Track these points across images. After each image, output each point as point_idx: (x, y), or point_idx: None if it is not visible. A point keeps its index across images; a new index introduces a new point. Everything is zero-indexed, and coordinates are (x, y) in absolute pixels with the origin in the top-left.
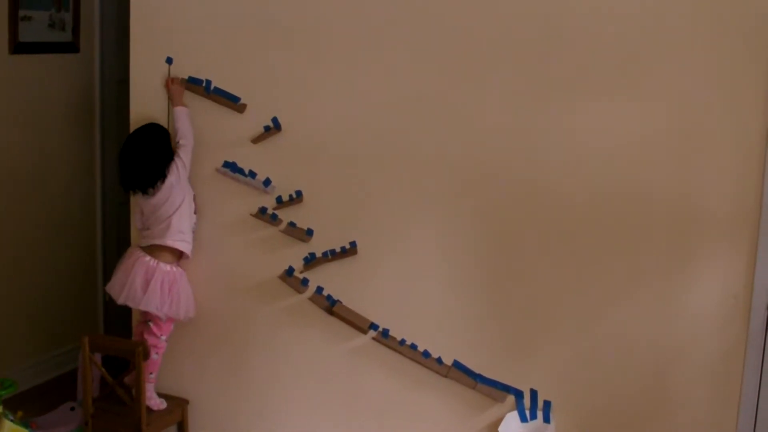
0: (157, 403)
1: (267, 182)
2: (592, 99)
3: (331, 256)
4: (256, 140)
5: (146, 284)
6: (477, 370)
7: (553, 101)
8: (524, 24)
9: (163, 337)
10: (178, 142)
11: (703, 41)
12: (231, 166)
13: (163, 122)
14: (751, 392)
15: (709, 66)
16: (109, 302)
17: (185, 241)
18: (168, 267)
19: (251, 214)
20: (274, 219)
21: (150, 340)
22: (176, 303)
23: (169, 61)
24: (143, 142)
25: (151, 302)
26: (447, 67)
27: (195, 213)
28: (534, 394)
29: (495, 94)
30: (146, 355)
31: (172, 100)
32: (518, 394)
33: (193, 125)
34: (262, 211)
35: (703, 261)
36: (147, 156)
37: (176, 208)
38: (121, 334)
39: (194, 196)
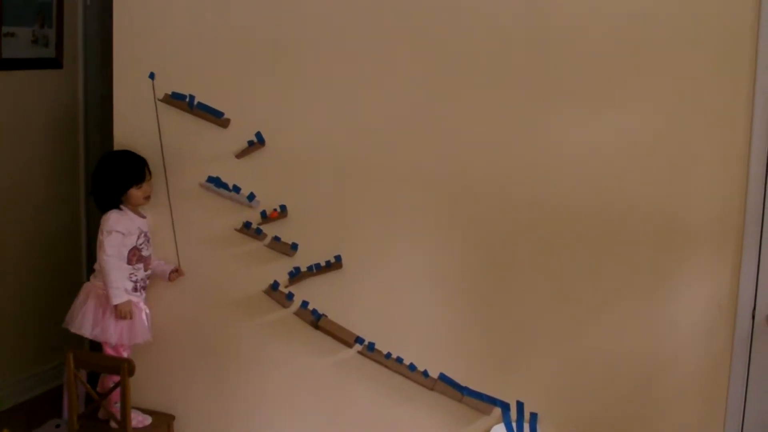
0: (139, 420)
1: (251, 197)
2: (576, 110)
3: (316, 270)
4: (240, 155)
5: (82, 306)
6: (463, 383)
7: (539, 113)
8: (509, 37)
9: None
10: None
11: (687, 53)
12: (215, 181)
13: (150, 137)
14: (737, 401)
15: (694, 77)
16: None
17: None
18: (102, 291)
19: (235, 229)
20: (258, 233)
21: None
22: (106, 329)
23: (152, 76)
24: (99, 167)
25: (83, 325)
26: (432, 80)
27: (142, 268)
28: (520, 406)
29: (480, 108)
30: (131, 372)
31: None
32: (505, 407)
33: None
34: (247, 225)
35: (688, 271)
36: (94, 182)
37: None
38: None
39: (132, 250)
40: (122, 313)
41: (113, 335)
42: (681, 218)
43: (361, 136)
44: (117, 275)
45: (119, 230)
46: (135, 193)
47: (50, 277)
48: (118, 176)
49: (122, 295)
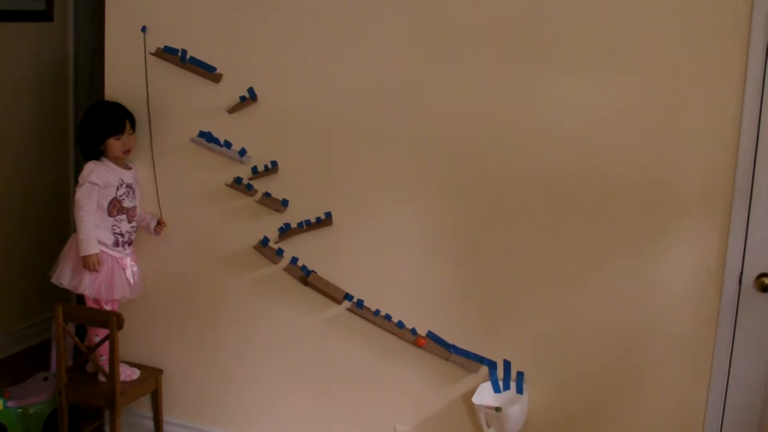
0: (127, 374)
1: (242, 152)
2: (566, 75)
3: (306, 226)
4: (232, 110)
5: (65, 256)
6: (451, 341)
7: (528, 77)
8: (498, 3)
9: None
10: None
11: (679, 18)
12: (206, 136)
13: (142, 91)
14: (722, 365)
15: (685, 42)
16: None
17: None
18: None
19: (226, 184)
20: (249, 189)
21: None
22: (82, 281)
23: (144, 29)
24: (83, 116)
25: (63, 274)
26: (424, 42)
27: (125, 220)
28: (507, 364)
29: (471, 70)
30: (120, 325)
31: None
32: (491, 365)
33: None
34: (237, 181)
35: (676, 235)
36: (78, 130)
37: None
38: None
39: (112, 201)
40: (88, 264)
41: (88, 287)
42: (670, 182)
43: (354, 94)
44: (88, 227)
45: (93, 181)
46: (113, 143)
47: (37, 230)
48: (97, 126)
49: (90, 248)
